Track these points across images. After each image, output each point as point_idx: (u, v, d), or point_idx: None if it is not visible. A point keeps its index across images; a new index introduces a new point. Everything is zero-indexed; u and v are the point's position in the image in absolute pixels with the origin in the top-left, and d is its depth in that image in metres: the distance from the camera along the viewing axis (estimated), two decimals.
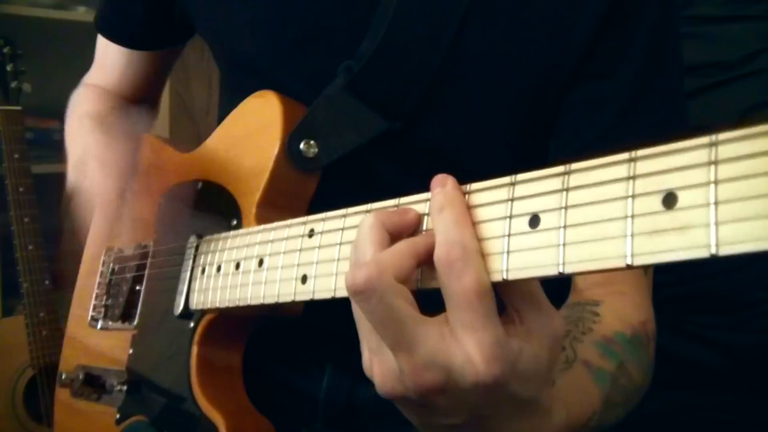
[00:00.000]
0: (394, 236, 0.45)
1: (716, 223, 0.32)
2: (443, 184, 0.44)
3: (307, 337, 0.77)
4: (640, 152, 0.36)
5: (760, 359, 1.12)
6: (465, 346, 0.41)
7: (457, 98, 0.69)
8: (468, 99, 0.69)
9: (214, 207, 0.75)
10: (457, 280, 0.40)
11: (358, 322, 0.45)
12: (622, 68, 0.67)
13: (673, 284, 1.10)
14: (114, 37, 0.91)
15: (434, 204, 0.43)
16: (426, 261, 0.43)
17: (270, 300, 0.59)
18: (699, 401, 1.16)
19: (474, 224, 0.42)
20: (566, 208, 0.39)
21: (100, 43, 0.95)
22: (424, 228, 0.46)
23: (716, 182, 0.32)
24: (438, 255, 0.41)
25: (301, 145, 0.68)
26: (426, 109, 0.68)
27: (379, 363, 0.44)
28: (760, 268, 1.11)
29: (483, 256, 0.41)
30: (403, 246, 0.43)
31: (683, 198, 0.34)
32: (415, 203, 0.47)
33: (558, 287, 0.48)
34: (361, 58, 0.67)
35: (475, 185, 0.44)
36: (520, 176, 0.41)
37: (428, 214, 0.46)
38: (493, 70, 0.68)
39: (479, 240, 0.42)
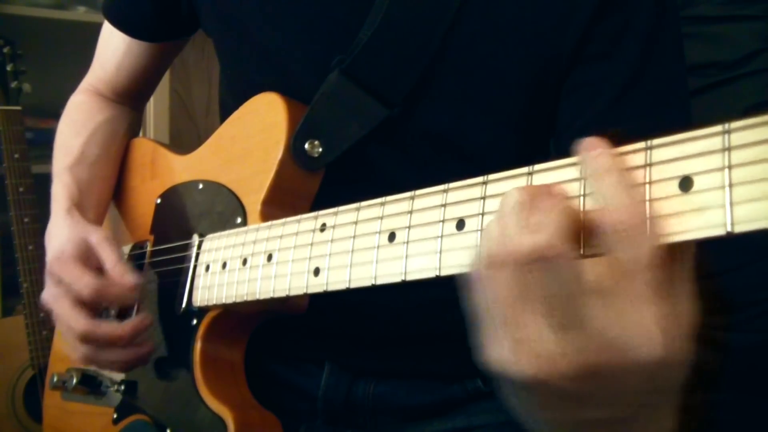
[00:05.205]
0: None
1: (731, 204, 0.34)
2: (599, 147, 0.40)
3: (306, 335, 0.77)
4: (656, 141, 0.38)
5: (760, 359, 1.12)
6: (644, 319, 0.37)
7: (455, 82, 0.69)
8: (466, 82, 0.69)
9: (216, 206, 0.75)
10: (638, 245, 0.37)
11: (487, 307, 0.41)
12: (620, 49, 0.67)
13: None
14: (118, 24, 0.91)
15: (596, 165, 0.40)
16: (587, 228, 0.40)
17: (280, 294, 0.59)
18: (698, 401, 1.16)
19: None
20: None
21: (103, 34, 0.95)
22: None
23: (730, 167, 0.35)
24: (616, 219, 0.38)
25: (306, 145, 0.68)
26: (424, 93, 0.69)
27: (529, 349, 0.39)
28: (760, 268, 1.11)
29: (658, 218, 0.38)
30: (564, 212, 0.39)
31: (699, 182, 0.36)
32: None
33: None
34: (358, 44, 0.67)
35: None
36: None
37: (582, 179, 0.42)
38: (491, 53, 0.68)
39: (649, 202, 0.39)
